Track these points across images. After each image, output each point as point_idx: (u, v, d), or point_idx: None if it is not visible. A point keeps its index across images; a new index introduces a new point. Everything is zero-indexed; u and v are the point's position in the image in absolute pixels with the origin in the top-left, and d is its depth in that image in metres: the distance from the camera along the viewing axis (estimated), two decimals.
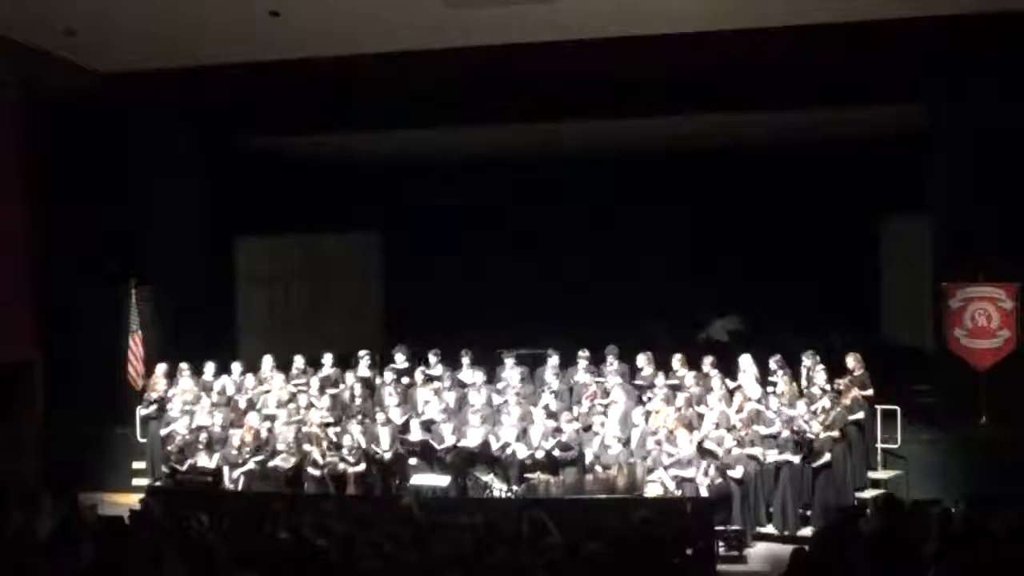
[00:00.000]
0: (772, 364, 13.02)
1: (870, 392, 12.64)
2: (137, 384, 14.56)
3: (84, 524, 9.54)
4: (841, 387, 12.48)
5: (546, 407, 12.88)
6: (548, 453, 12.31)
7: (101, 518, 10.36)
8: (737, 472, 11.70)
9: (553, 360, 13.62)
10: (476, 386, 13.48)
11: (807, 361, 13.01)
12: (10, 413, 14.18)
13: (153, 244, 15.37)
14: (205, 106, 15.33)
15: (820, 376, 12.64)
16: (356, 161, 18.81)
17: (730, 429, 12.11)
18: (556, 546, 7.97)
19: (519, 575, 7.50)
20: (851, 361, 12.79)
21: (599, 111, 14.73)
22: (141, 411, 13.92)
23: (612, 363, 13.54)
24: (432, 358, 13.97)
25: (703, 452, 11.91)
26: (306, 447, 12.68)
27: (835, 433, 11.99)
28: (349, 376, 13.97)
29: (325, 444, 12.65)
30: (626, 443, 12.25)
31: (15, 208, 14.37)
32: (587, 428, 12.54)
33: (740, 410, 12.42)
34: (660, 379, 13.15)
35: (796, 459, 11.90)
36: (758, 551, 11.61)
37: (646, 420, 12.48)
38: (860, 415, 12.40)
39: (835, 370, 12.84)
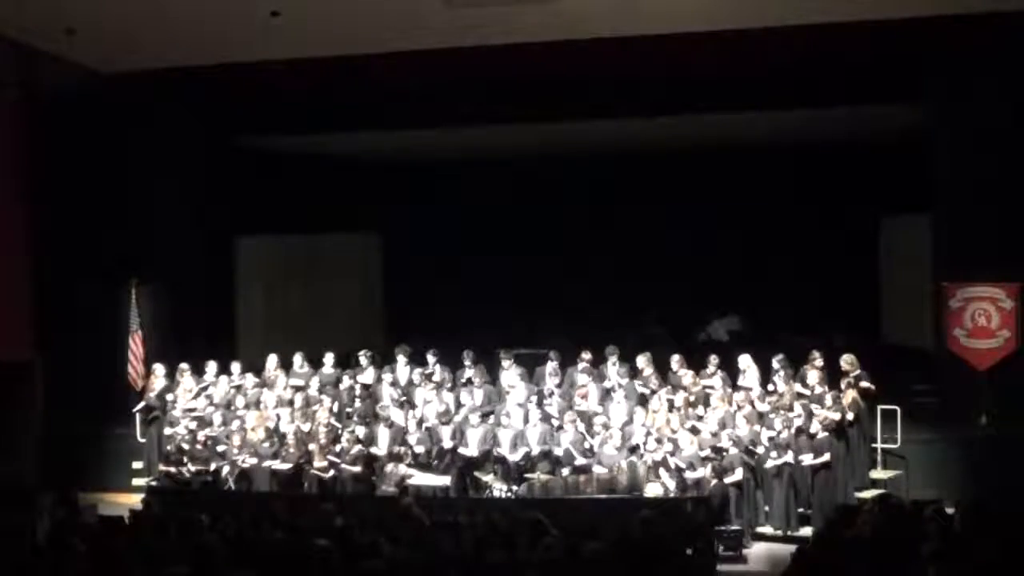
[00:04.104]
0: (775, 363, 13.02)
1: (871, 387, 12.61)
2: (137, 384, 14.55)
3: (84, 524, 9.56)
4: (842, 387, 12.48)
5: (543, 408, 12.89)
6: (547, 454, 12.30)
7: (101, 518, 10.39)
8: (736, 473, 11.70)
9: (553, 363, 13.61)
10: (472, 387, 13.45)
11: (818, 362, 12.97)
12: (10, 413, 14.17)
13: (153, 244, 15.36)
14: (205, 106, 15.33)
15: (815, 375, 12.64)
16: (356, 161, 18.81)
17: (730, 428, 12.12)
18: (556, 546, 7.97)
19: (519, 575, 7.50)
20: (845, 364, 12.78)
21: (599, 111, 14.74)
22: (138, 410, 13.91)
23: (613, 363, 13.53)
24: (431, 358, 13.95)
25: (704, 452, 11.91)
26: (308, 447, 12.68)
27: (834, 431, 12.00)
28: (349, 376, 13.96)
29: (325, 443, 12.64)
30: (626, 443, 12.25)
31: (15, 208, 14.36)
32: (590, 433, 12.51)
33: (740, 409, 12.41)
34: (655, 381, 13.15)
35: (795, 459, 11.89)
36: (758, 551, 11.61)
37: (647, 420, 12.47)
38: (857, 414, 12.38)
39: (835, 369, 12.84)
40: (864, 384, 12.53)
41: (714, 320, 18.62)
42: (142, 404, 13.84)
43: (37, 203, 14.62)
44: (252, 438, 12.81)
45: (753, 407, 12.53)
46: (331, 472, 12.43)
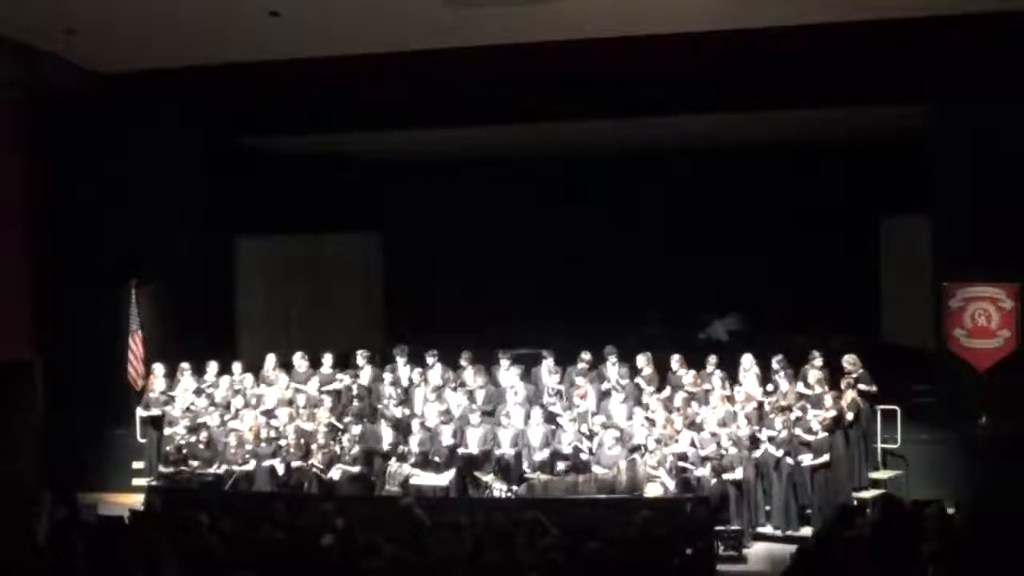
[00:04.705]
0: (775, 364, 13.02)
1: (873, 388, 12.63)
2: (137, 384, 14.55)
3: (84, 524, 9.56)
4: (842, 387, 12.48)
5: (544, 407, 12.88)
6: (556, 454, 12.30)
7: (101, 518, 10.39)
8: (736, 473, 11.71)
9: (548, 361, 13.60)
10: (468, 388, 13.44)
11: (818, 361, 12.97)
12: (10, 413, 14.17)
13: (153, 244, 15.36)
14: (205, 106, 15.33)
15: (815, 375, 12.65)
16: (356, 161, 18.82)
17: (730, 428, 12.12)
18: (556, 546, 7.97)
19: (519, 575, 7.50)
20: (847, 363, 12.79)
21: (599, 111, 14.73)
22: (140, 411, 13.91)
23: (612, 363, 13.53)
24: (430, 358, 13.95)
25: (704, 452, 11.91)
26: (309, 446, 12.68)
27: (834, 431, 12.00)
28: (348, 376, 13.96)
29: (325, 443, 12.64)
30: (623, 442, 12.24)
31: (15, 208, 14.37)
32: (590, 436, 12.50)
33: (742, 409, 12.41)
34: (653, 383, 13.16)
35: (795, 459, 11.90)
36: (758, 551, 11.62)
37: (649, 421, 12.46)
38: (857, 414, 12.39)
39: (835, 369, 12.85)
40: (863, 387, 12.53)
41: (714, 320, 18.62)
42: (148, 405, 13.78)
43: (37, 203, 14.62)
44: (250, 439, 12.81)
45: (760, 408, 12.53)
46: (331, 472, 12.43)
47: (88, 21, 12.80)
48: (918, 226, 15.05)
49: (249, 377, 14.00)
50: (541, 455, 12.32)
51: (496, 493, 12.02)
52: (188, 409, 13.52)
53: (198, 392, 13.78)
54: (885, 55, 13.35)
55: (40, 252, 14.67)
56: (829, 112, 14.71)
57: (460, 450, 12.55)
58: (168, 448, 13.08)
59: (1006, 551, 7.22)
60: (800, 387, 12.77)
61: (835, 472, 11.94)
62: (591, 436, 12.45)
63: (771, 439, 12.08)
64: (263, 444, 12.75)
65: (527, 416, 12.75)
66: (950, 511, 8.71)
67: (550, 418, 12.77)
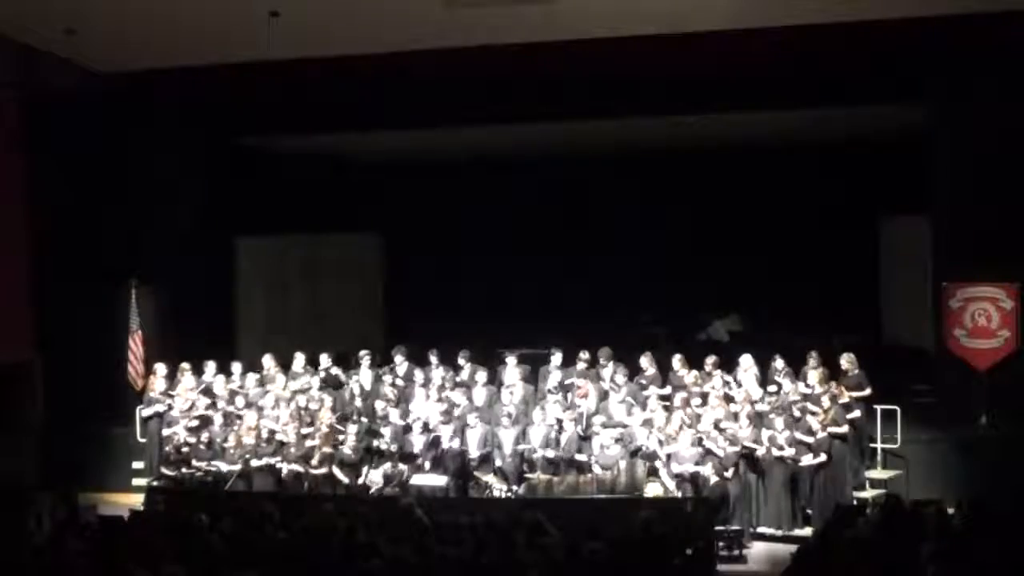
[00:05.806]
0: (777, 363, 13.00)
1: (867, 392, 12.63)
2: (137, 384, 14.54)
3: (84, 524, 9.57)
4: (836, 390, 12.47)
5: (544, 407, 12.88)
6: (551, 456, 12.30)
7: (101, 518, 10.40)
8: (735, 471, 11.70)
9: (556, 359, 13.60)
10: (468, 388, 13.43)
11: (813, 362, 12.97)
12: (10, 413, 14.18)
13: (153, 244, 15.36)
14: (205, 106, 15.33)
15: (815, 375, 12.65)
16: (356, 161, 18.82)
17: (730, 428, 12.12)
18: (556, 546, 7.98)
19: (519, 575, 7.51)
20: (844, 362, 12.79)
21: (599, 111, 14.74)
22: (140, 411, 13.91)
23: (606, 364, 13.50)
24: (432, 358, 13.94)
25: (703, 451, 11.91)
26: (307, 444, 12.68)
27: (836, 428, 11.99)
28: (354, 376, 13.95)
29: (324, 443, 12.63)
30: (623, 442, 12.24)
31: (15, 208, 14.37)
32: (586, 438, 12.49)
33: (741, 409, 12.40)
34: (656, 381, 13.16)
35: (795, 459, 11.90)
36: (758, 551, 11.60)
37: (649, 422, 12.45)
38: (856, 414, 12.40)
39: (834, 369, 12.85)
40: (857, 393, 12.52)
41: (714, 320, 18.62)
42: (153, 410, 13.77)
43: (37, 203, 14.62)
44: (250, 438, 12.80)
45: (752, 407, 12.53)
46: (329, 472, 12.42)
47: (88, 21, 12.80)
48: (918, 226, 15.05)
49: (249, 377, 13.99)
50: (542, 455, 12.31)
51: (496, 493, 12.02)
52: (188, 409, 13.51)
53: (198, 392, 13.77)
54: (885, 55, 13.36)
55: (40, 252, 14.67)
56: (829, 112, 14.72)
57: (460, 448, 12.54)
58: (168, 448, 13.08)
59: (1006, 551, 7.22)
60: (800, 387, 12.77)
61: (835, 472, 11.93)
62: (588, 437, 12.43)
63: (771, 439, 12.07)
64: (263, 444, 12.75)
65: (527, 416, 12.74)
66: (950, 511, 8.71)
67: (551, 418, 12.75)
